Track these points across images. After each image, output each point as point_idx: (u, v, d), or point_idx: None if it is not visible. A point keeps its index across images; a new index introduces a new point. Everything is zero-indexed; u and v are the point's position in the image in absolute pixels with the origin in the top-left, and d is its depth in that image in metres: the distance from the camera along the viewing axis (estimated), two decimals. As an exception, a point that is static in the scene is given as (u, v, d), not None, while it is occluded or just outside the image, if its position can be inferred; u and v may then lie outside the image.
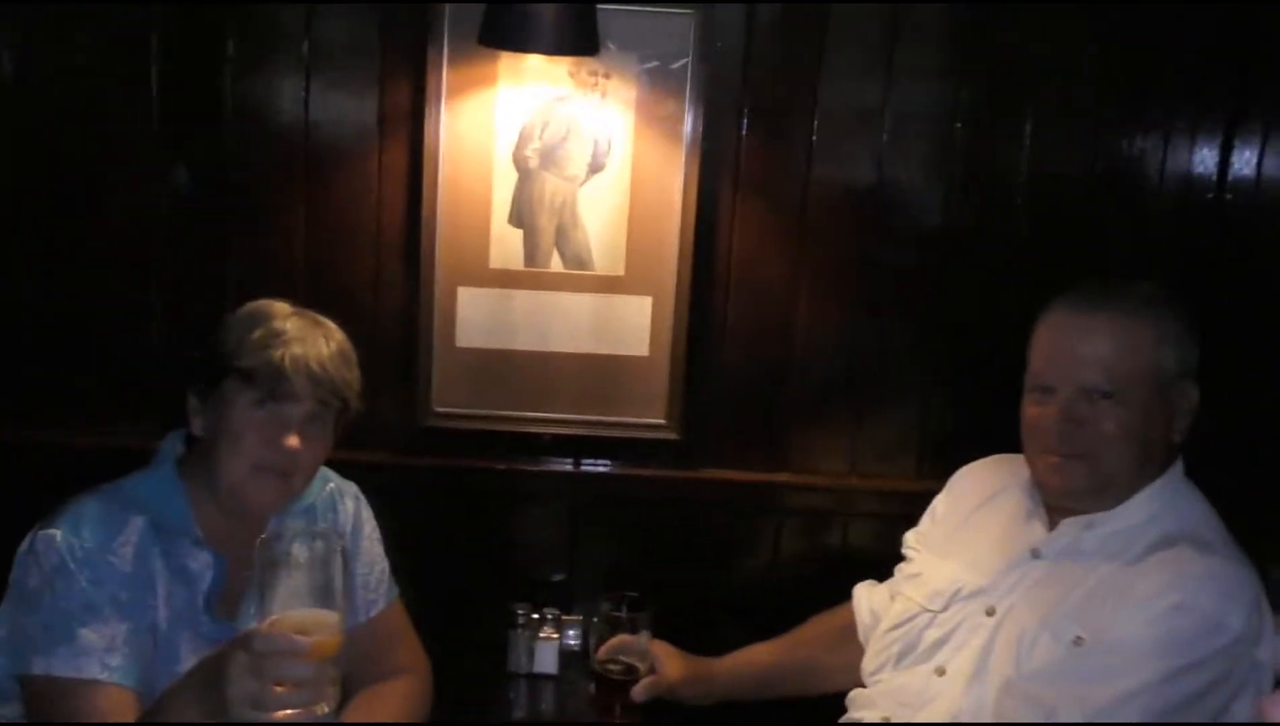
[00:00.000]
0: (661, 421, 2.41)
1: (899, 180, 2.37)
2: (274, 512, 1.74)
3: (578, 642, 2.36)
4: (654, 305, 2.36)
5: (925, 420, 2.45)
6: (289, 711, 1.35)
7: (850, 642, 2.02)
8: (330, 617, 1.37)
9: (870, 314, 2.41)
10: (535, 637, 2.28)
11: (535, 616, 2.30)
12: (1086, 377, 1.69)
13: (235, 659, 1.34)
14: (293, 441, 1.67)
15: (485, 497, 2.44)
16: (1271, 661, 1.58)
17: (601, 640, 1.89)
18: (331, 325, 1.75)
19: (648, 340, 2.38)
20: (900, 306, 2.41)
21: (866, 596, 2.05)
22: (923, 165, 2.37)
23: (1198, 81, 2.33)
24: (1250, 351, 2.10)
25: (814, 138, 2.34)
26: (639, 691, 1.87)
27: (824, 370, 2.43)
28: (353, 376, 1.74)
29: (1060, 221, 2.37)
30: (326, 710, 1.38)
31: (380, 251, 2.36)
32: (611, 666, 1.88)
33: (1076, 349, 1.72)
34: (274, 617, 1.36)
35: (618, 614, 1.88)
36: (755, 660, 2.04)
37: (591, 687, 1.91)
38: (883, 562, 2.07)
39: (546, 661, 2.27)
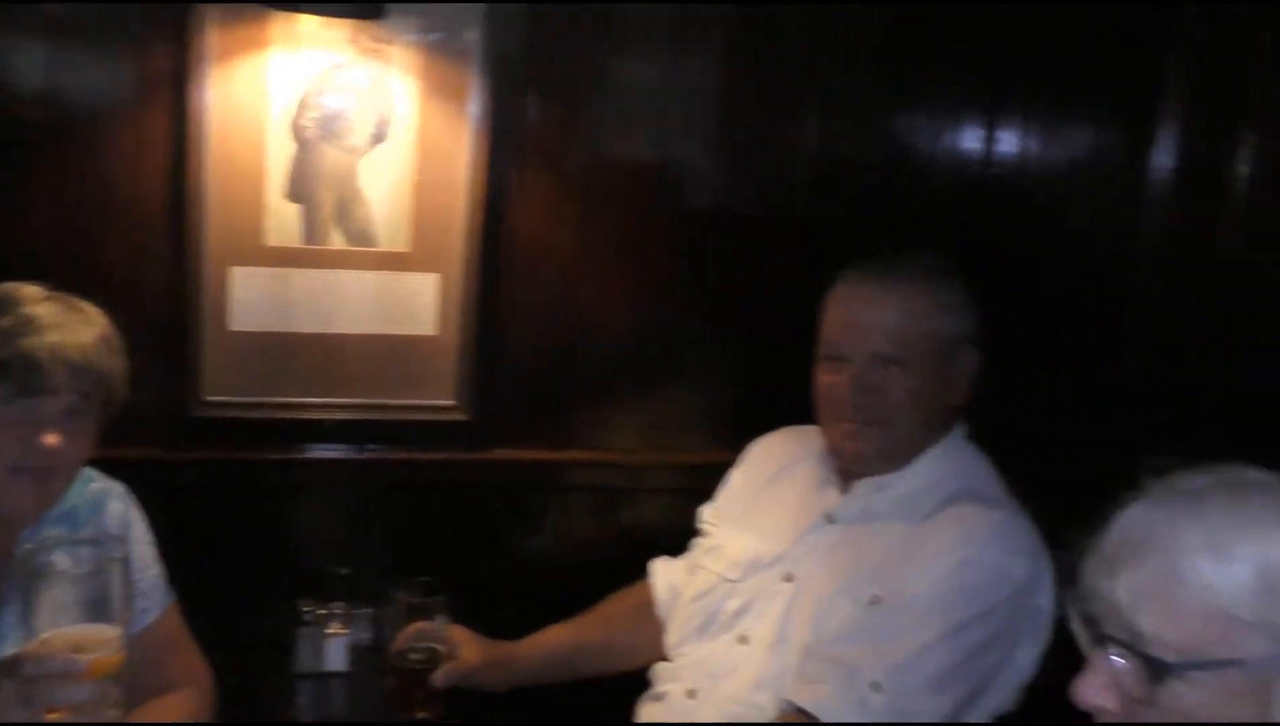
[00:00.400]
0: (450, 402, 2.34)
1: (686, 159, 2.39)
2: (32, 519, 1.58)
3: (369, 636, 2.26)
4: (441, 283, 2.29)
5: (715, 394, 2.48)
6: None
7: (649, 619, 2.03)
8: (108, 632, 1.27)
9: (660, 290, 2.42)
10: (323, 634, 2.17)
11: (322, 612, 2.19)
12: (876, 345, 1.76)
13: (1, 687, 1.21)
14: (52, 439, 1.52)
15: (264, 490, 2.31)
16: (1049, 607, 1.69)
17: (397, 629, 1.84)
18: (92, 309, 1.60)
19: (435, 319, 2.31)
20: (689, 283, 2.44)
21: (663, 572, 2.06)
22: (709, 145, 2.40)
23: (964, 66, 2.45)
24: (1021, 316, 2.24)
25: (602, 115, 2.33)
26: (439, 678, 1.82)
27: (613, 347, 2.43)
28: (118, 365, 1.60)
29: (840, 199, 2.45)
30: None
31: (142, 229, 2.18)
32: (410, 655, 1.83)
33: (865, 318, 1.79)
34: (44, 636, 1.24)
35: (413, 600, 1.84)
36: (554, 642, 2.01)
37: (390, 679, 1.85)
38: (676, 536, 2.09)
39: (336, 658, 2.17)
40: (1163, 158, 1.98)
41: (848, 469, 1.86)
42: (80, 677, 1.24)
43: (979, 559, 1.65)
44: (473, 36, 2.21)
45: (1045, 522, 1.75)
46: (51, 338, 1.51)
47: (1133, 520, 1.05)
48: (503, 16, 2.22)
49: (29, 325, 1.51)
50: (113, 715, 1.28)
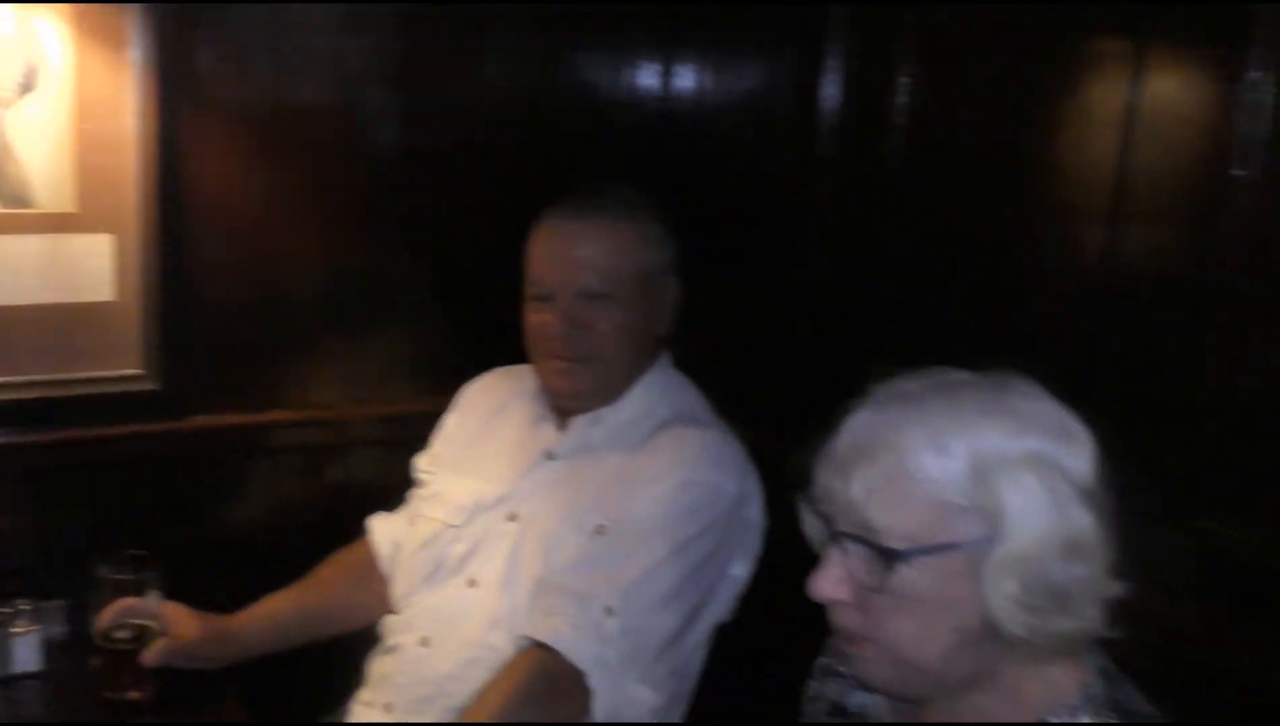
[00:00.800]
0: (138, 371, 2.17)
1: (372, 99, 2.31)
2: None
3: (65, 630, 2.09)
4: (116, 244, 2.11)
5: (420, 341, 2.44)
6: None
7: (372, 576, 2.00)
8: None
9: (354, 238, 2.34)
10: (8, 635, 1.98)
11: (6, 610, 2.00)
12: (582, 281, 1.80)
13: None
14: None
15: (-77, 484, 2.07)
16: (759, 521, 1.81)
17: (102, 607, 1.73)
18: None
19: (112, 283, 2.12)
20: (383, 228, 2.37)
21: (382, 527, 2.04)
22: (393, 83, 2.33)
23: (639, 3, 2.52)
24: (711, 245, 2.34)
25: (279, 55, 2.20)
26: (151, 656, 1.72)
27: (310, 299, 2.33)
28: None
29: (527, 137, 2.46)
30: None
31: None
32: (117, 634, 1.73)
33: (570, 255, 1.82)
34: None
35: (119, 576, 1.73)
36: (275, 610, 1.95)
37: (95, 660, 1.74)
38: (393, 490, 2.08)
39: (27, 658, 1.98)
40: (830, 89, 2.09)
41: (563, 405, 1.90)
42: None
43: (694, 479, 1.74)
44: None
45: (752, 439, 1.87)
46: None
47: (860, 424, 1.13)
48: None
49: None
50: None
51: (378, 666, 1.92)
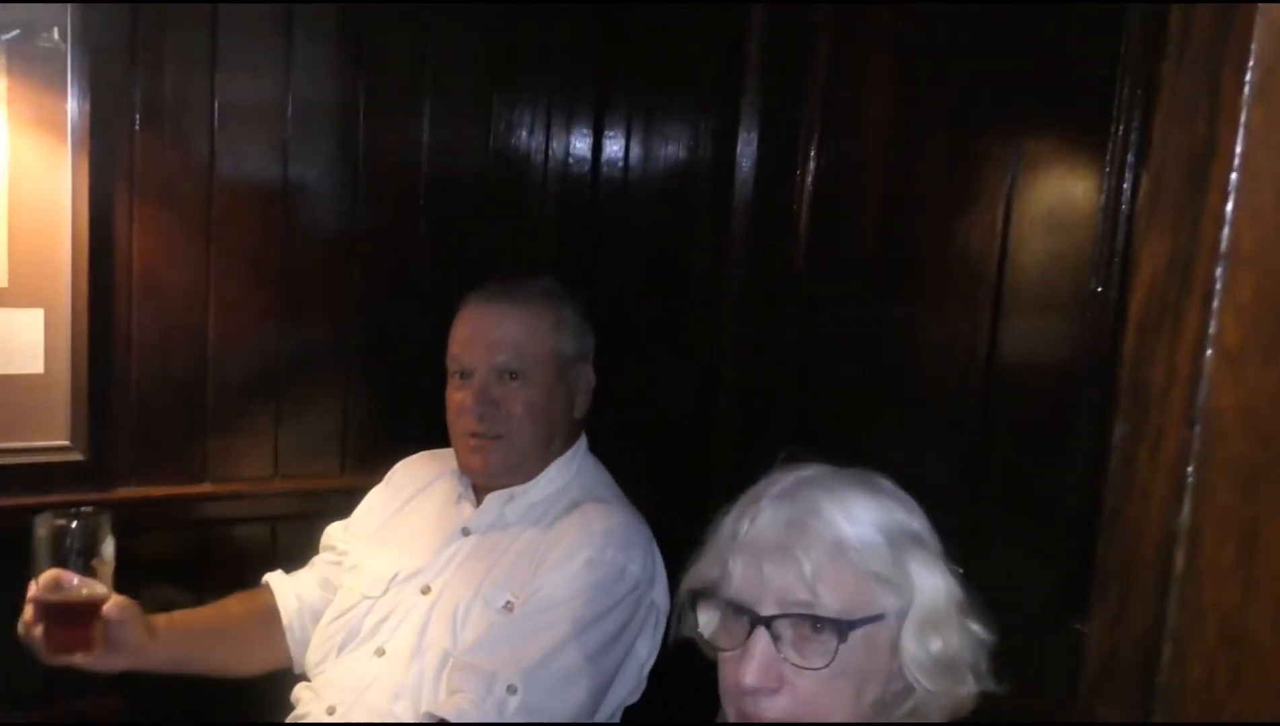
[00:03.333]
0: (64, 443, 2.21)
1: (305, 178, 2.37)
2: None
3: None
4: (47, 317, 2.15)
5: (347, 418, 2.49)
6: None
7: (274, 622, 2.00)
8: None
9: (285, 315, 2.39)
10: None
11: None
12: (498, 359, 1.88)
13: None
14: None
15: None
16: (664, 603, 1.85)
17: (42, 563, 1.60)
18: None
19: (42, 356, 2.16)
20: (315, 306, 2.42)
21: (286, 582, 2.04)
22: (327, 162, 2.39)
23: (568, 75, 2.59)
24: (632, 331, 2.40)
25: (214, 134, 2.26)
26: (114, 609, 1.63)
27: (241, 375, 2.37)
28: None
29: (459, 216, 2.52)
30: None
31: None
32: (68, 595, 1.60)
33: (489, 335, 1.90)
34: None
35: (66, 523, 1.59)
36: (192, 623, 1.91)
37: (35, 630, 1.60)
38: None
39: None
40: (744, 163, 2.14)
41: (478, 483, 1.95)
42: None
43: (600, 558, 1.79)
44: (60, 47, 2.07)
45: (660, 522, 1.92)
46: None
47: (776, 511, 1.18)
48: (94, 27, 2.10)
49: None
50: None
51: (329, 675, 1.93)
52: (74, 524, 1.59)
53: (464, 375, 1.91)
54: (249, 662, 1.98)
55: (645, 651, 1.85)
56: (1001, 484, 1.66)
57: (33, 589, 1.61)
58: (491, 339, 1.90)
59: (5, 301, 2.12)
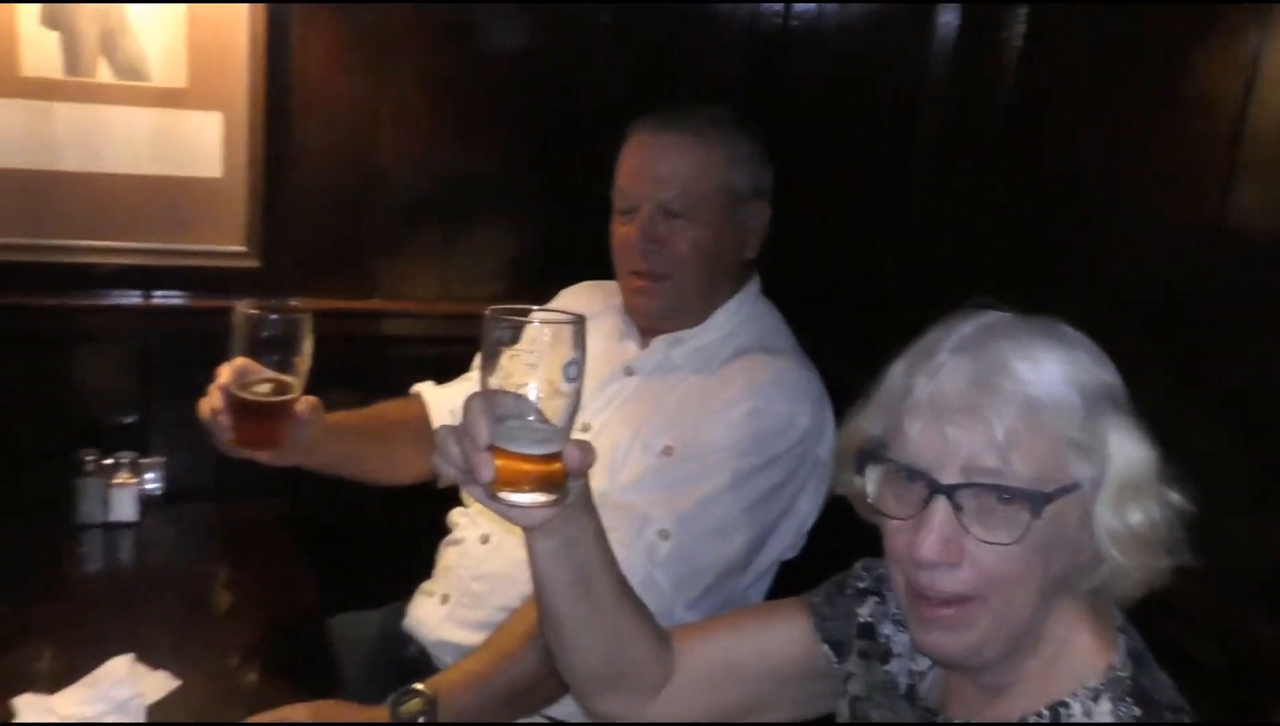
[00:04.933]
0: (240, 248, 2.24)
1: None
2: None
3: (159, 487, 2.21)
4: (225, 122, 2.16)
5: (514, 244, 2.45)
6: None
7: (425, 433, 1.94)
8: None
9: (456, 135, 2.35)
10: (109, 484, 2.10)
11: (107, 462, 2.11)
12: (663, 196, 1.77)
13: None
14: None
15: (35, 337, 2.18)
16: (830, 457, 1.77)
17: (240, 354, 1.53)
18: None
19: (220, 160, 2.18)
20: (486, 128, 2.37)
21: (439, 393, 2.00)
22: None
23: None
24: (816, 168, 2.27)
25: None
26: (305, 409, 1.58)
27: (411, 193, 2.36)
28: None
29: (643, 42, 2.40)
30: None
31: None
32: (258, 388, 1.54)
33: (655, 168, 1.79)
34: None
35: (264, 314, 1.53)
36: (349, 424, 1.85)
37: (221, 418, 1.53)
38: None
39: (124, 509, 2.10)
40: (948, 16, 2.00)
41: (641, 323, 1.88)
42: None
43: (766, 408, 1.71)
44: None
45: (836, 374, 1.82)
46: None
47: (960, 368, 1.05)
48: None
49: None
50: None
51: (443, 557, 1.96)
52: (273, 316, 1.53)
53: (627, 211, 1.81)
54: (398, 470, 1.94)
55: (807, 507, 1.78)
56: (1205, 365, 1.50)
57: (222, 374, 1.54)
58: (657, 173, 1.79)
59: (185, 102, 2.13)
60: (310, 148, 2.25)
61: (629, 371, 1.87)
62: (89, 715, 1.43)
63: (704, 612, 1.66)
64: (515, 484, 1.05)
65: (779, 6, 2.46)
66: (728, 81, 2.46)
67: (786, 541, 1.79)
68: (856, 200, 2.26)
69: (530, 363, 1.04)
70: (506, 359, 1.05)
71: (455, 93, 2.33)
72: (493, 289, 2.46)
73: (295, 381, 1.56)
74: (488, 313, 1.05)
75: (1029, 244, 1.84)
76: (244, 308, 1.53)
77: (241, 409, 1.53)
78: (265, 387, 1.54)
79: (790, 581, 1.82)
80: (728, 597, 1.72)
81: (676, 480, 1.68)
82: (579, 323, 1.07)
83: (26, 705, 1.47)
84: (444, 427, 1.07)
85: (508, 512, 1.09)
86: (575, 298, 2.06)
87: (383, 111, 2.29)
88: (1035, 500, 1.01)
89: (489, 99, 2.35)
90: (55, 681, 1.54)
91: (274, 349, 1.54)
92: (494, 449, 1.03)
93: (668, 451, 1.73)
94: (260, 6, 2.11)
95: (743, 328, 1.85)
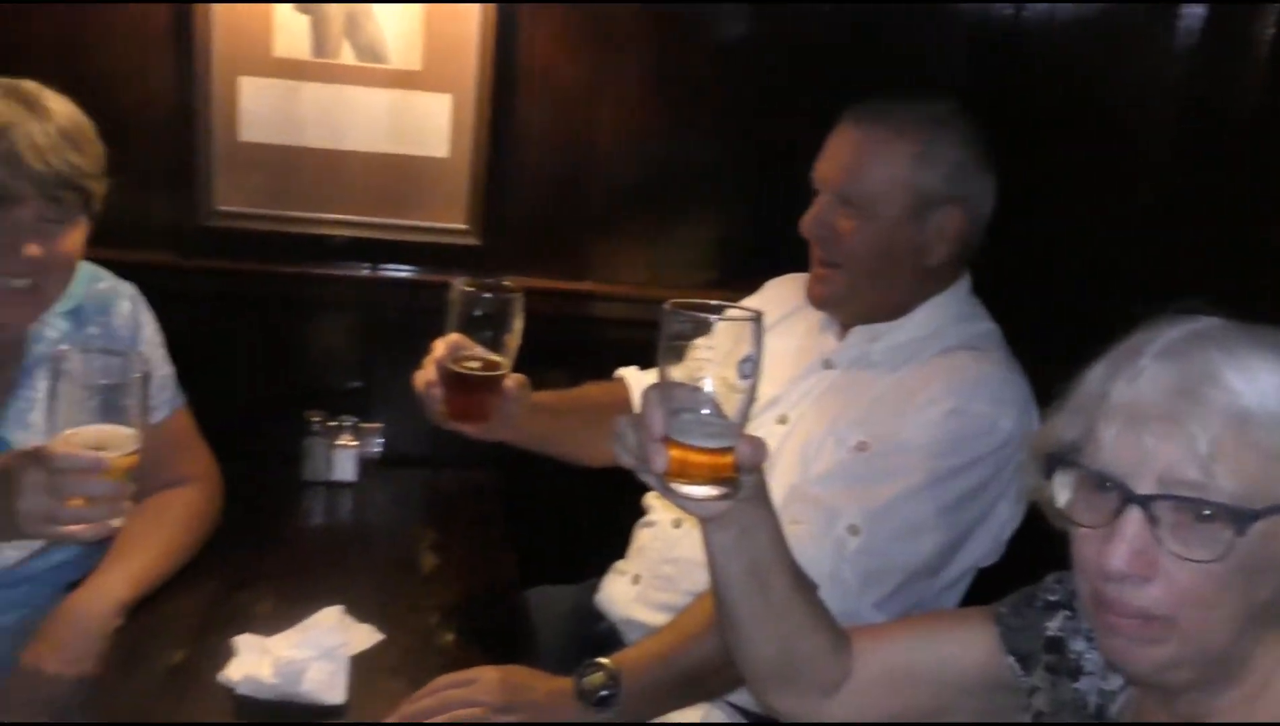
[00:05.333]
0: (463, 226, 2.33)
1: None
2: (29, 325, 1.60)
3: (377, 450, 2.32)
4: (454, 104, 2.25)
5: (727, 234, 2.46)
6: (83, 527, 1.33)
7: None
8: (126, 433, 1.33)
9: (674, 122, 2.37)
10: (333, 445, 2.23)
11: (332, 424, 2.24)
12: (839, 185, 1.73)
13: (27, 474, 1.30)
14: (32, 250, 1.51)
15: (275, 302, 2.34)
16: (1032, 463, 1.68)
17: (454, 330, 1.60)
18: (51, 100, 1.54)
19: (448, 140, 2.27)
20: (704, 116, 2.38)
21: (646, 379, 2.01)
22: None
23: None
24: (1043, 172, 2.17)
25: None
26: (514, 385, 1.64)
27: (627, 177, 2.39)
28: (85, 158, 1.54)
29: (868, 38, 2.35)
30: (118, 524, 1.36)
31: (145, 35, 2.15)
32: (468, 363, 1.60)
33: (840, 157, 1.74)
34: (67, 433, 1.31)
35: (478, 292, 1.57)
36: (555, 403, 1.88)
37: (435, 391, 1.60)
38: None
39: (345, 469, 2.23)
40: (1191, 13, 1.88)
41: (823, 310, 1.84)
42: (103, 474, 1.31)
43: (967, 408, 1.64)
44: None
45: (1046, 379, 1.73)
46: (5, 145, 1.46)
47: (1164, 372, 0.99)
48: None
49: None
50: (125, 507, 1.37)
51: (637, 538, 1.98)
52: (486, 295, 1.59)
53: (817, 196, 1.78)
54: (597, 453, 1.95)
55: (1006, 514, 1.69)
56: None
57: (437, 348, 1.61)
58: (840, 162, 1.74)
59: (418, 84, 2.24)
60: (532, 131, 2.32)
61: (828, 364, 1.84)
62: (298, 658, 1.52)
63: (891, 614, 1.62)
64: (688, 475, 1.08)
65: (1009, 5, 2.36)
66: (949, 78, 2.38)
67: (983, 548, 1.71)
68: (1081, 202, 2.14)
69: (707, 357, 1.06)
70: (685, 352, 1.07)
71: (676, 80, 2.35)
72: (703, 276, 2.47)
73: (505, 359, 1.61)
74: (667, 306, 1.08)
75: (1273, 251, 1.70)
76: (460, 285, 1.59)
77: (453, 382, 1.59)
78: (476, 363, 1.60)
79: (985, 590, 1.75)
80: (918, 601, 1.67)
81: (869, 476, 1.64)
82: (756, 320, 1.07)
83: (245, 644, 1.58)
84: (622, 417, 1.10)
85: (680, 502, 1.11)
86: (780, 288, 2.04)
87: (604, 97, 2.33)
88: (1241, 517, 0.94)
89: (708, 87, 2.36)
90: (273, 624, 1.65)
91: (486, 326, 1.59)
92: (668, 440, 1.06)
93: (862, 446, 1.68)
94: (491, -1, 2.18)
95: (949, 326, 1.78)
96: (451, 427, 1.66)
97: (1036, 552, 1.64)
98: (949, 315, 1.78)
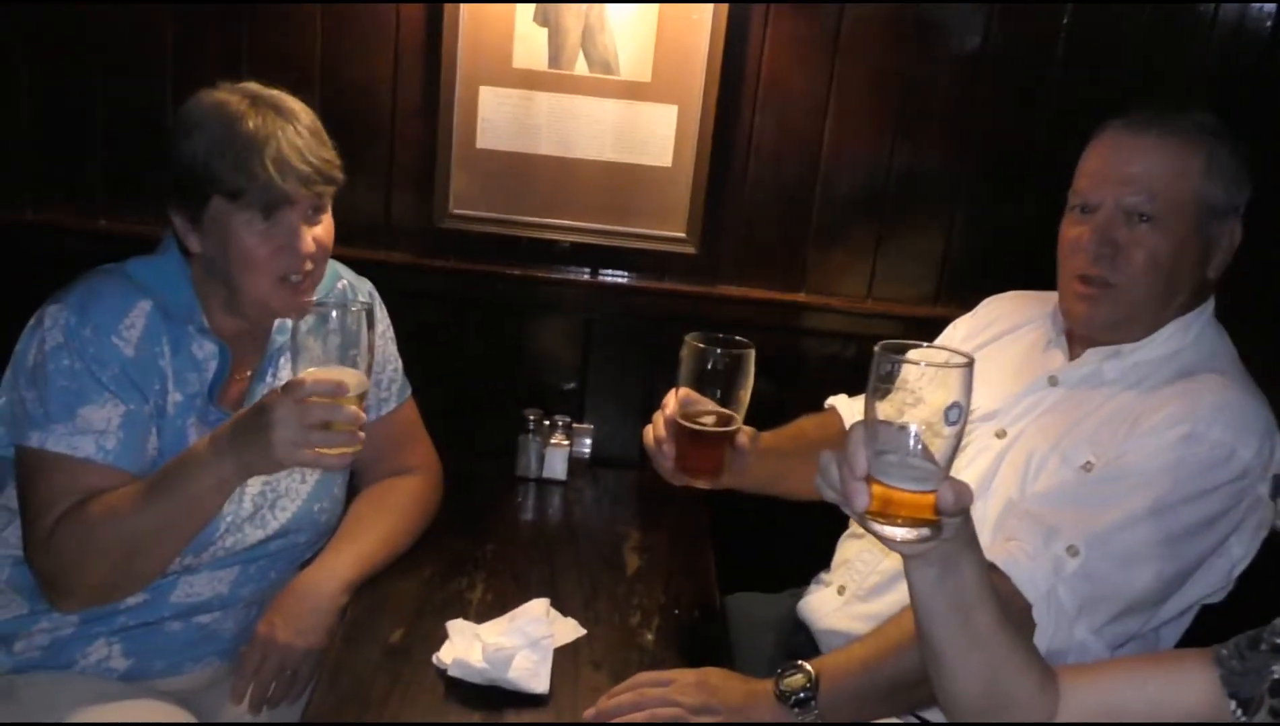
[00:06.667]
0: (681, 235, 2.37)
1: (937, 4, 2.27)
2: (301, 314, 1.72)
3: (587, 451, 2.39)
4: (679, 115, 2.30)
5: (946, 250, 2.41)
6: (329, 451, 1.48)
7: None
8: (356, 373, 1.48)
9: (899, 134, 2.34)
10: (546, 443, 2.30)
11: (547, 423, 2.32)
12: (1129, 198, 1.65)
13: (279, 408, 1.45)
14: (308, 244, 1.64)
15: (501, 302, 2.44)
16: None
17: (686, 383, 1.59)
18: (292, 103, 1.66)
19: (671, 150, 2.32)
20: (931, 128, 2.34)
21: (856, 408, 1.98)
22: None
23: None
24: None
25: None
26: (745, 439, 1.62)
27: (848, 190, 2.38)
28: (332, 153, 1.67)
29: (1105, 44, 2.27)
30: (353, 452, 1.50)
31: (399, 47, 2.29)
32: (703, 419, 1.59)
33: (1124, 168, 1.66)
34: (311, 369, 1.47)
35: (709, 347, 1.56)
36: (777, 446, 1.86)
37: (666, 447, 1.61)
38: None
39: (556, 467, 2.30)
40: None
41: (1079, 332, 1.77)
42: (342, 401, 1.46)
43: (1203, 434, 1.55)
44: None
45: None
46: (274, 152, 1.58)
47: None
48: None
49: (249, 145, 1.57)
50: (360, 437, 1.50)
51: (842, 550, 1.97)
52: (719, 350, 1.57)
53: (1085, 209, 1.70)
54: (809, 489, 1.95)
55: (1241, 550, 1.60)
56: None
57: (668, 404, 1.62)
58: (1126, 173, 1.66)
59: (647, 96, 2.29)
60: (755, 142, 2.34)
61: (1053, 381, 1.77)
62: (506, 646, 1.58)
63: (1107, 642, 1.54)
64: (888, 516, 1.09)
65: (1270, 8, 2.22)
66: (1199, 87, 2.26)
67: (1212, 583, 1.61)
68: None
69: (913, 401, 1.06)
70: (893, 392, 1.08)
71: (905, 91, 2.32)
72: (918, 291, 2.43)
73: (737, 413, 1.60)
74: (878, 347, 1.10)
75: None
76: (692, 341, 1.59)
77: (686, 438, 1.60)
78: (710, 418, 1.60)
79: (1208, 627, 1.65)
80: (1136, 631, 1.59)
81: (1093, 498, 1.57)
82: (966, 367, 1.07)
83: (457, 629, 1.65)
84: (827, 452, 1.12)
85: (881, 540, 1.12)
86: (999, 306, 1.99)
87: (830, 108, 2.32)
88: None
89: (938, 97, 2.32)
90: (483, 611, 1.73)
91: (717, 381, 1.59)
92: (871, 479, 1.07)
93: (1088, 467, 1.61)
94: (723, 7, 2.22)
95: (1189, 348, 1.69)
96: (682, 483, 1.66)
97: (1267, 589, 1.55)
98: (1192, 337, 1.69)
